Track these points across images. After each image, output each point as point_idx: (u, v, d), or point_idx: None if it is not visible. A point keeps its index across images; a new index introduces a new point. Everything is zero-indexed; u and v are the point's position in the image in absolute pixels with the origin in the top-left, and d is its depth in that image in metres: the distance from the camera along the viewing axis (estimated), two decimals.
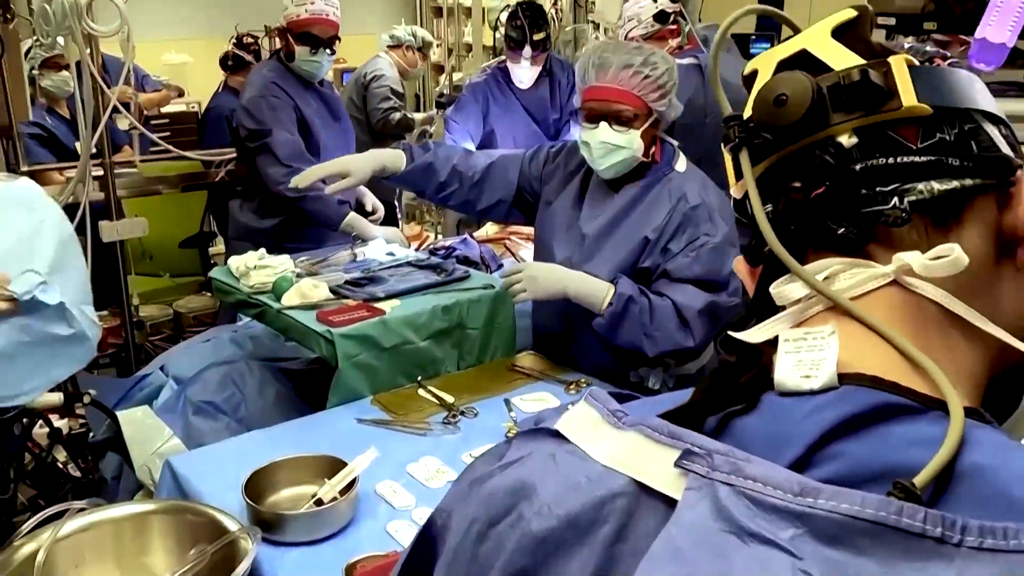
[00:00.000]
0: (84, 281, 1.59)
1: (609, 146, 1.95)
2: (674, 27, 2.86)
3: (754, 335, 0.59)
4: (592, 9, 3.80)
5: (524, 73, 3.46)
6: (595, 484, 0.54)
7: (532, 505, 0.56)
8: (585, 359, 2.12)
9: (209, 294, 3.62)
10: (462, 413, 1.86)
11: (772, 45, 4.91)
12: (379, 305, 2.02)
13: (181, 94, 5.03)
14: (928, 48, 0.70)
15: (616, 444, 0.55)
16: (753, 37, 5.28)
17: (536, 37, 3.34)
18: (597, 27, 3.70)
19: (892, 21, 3.59)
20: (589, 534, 0.52)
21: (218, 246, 4.18)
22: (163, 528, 1.42)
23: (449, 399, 1.91)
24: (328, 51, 2.90)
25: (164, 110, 4.83)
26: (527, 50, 3.35)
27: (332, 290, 2.10)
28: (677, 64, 2.66)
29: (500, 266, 2.77)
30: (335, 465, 1.55)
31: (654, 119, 1.96)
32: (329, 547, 1.43)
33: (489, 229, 3.27)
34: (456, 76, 3.94)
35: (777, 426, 0.53)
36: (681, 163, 2.08)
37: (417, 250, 2.76)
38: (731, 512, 0.46)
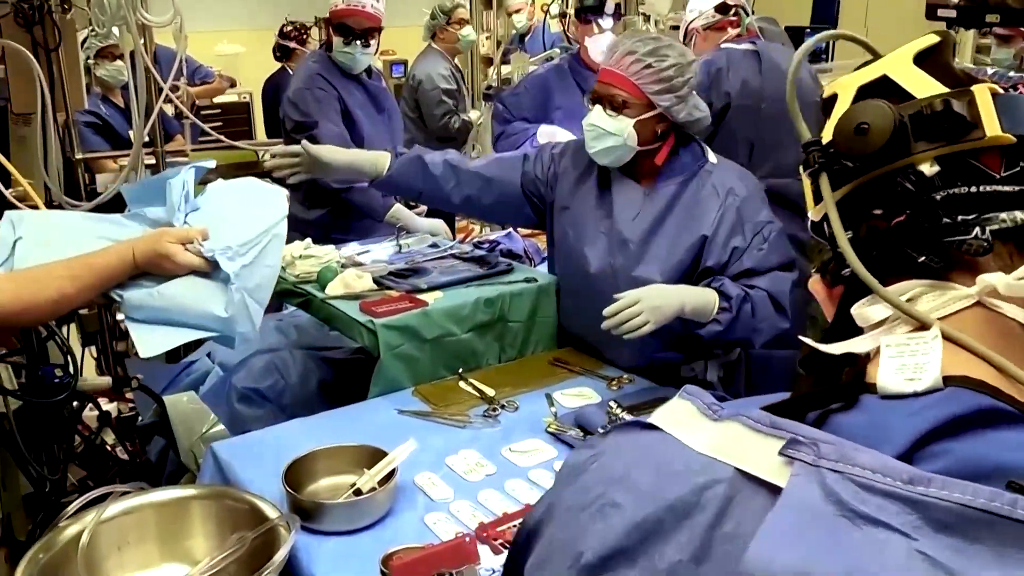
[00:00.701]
0: (267, 283, 1.63)
1: (598, 130, 1.94)
2: (734, 19, 2.88)
3: (848, 347, 0.61)
4: (643, 1, 3.75)
5: (603, 42, 3.32)
6: (694, 472, 0.55)
7: (628, 492, 0.57)
8: (622, 356, 2.07)
9: None
10: (503, 406, 1.85)
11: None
12: (422, 297, 2.02)
13: (233, 84, 5.10)
14: (1012, 74, 0.70)
15: (715, 434, 0.56)
16: (808, 30, 5.19)
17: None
18: (648, 19, 3.64)
19: (952, 14, 3.47)
20: (688, 518, 0.54)
21: None
22: (204, 513, 1.44)
23: (490, 392, 1.91)
24: (361, 43, 2.89)
25: (216, 100, 4.90)
26: (609, 5, 3.21)
27: (376, 281, 2.11)
28: (734, 49, 2.67)
29: (544, 260, 2.75)
30: (375, 455, 1.55)
31: (658, 114, 1.93)
32: (367, 537, 1.43)
33: None
34: (505, 69, 3.90)
35: (878, 423, 0.54)
36: (712, 155, 2.06)
37: (461, 243, 2.75)
38: (841, 496, 0.47)
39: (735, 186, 1.97)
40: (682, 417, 0.60)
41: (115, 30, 2.90)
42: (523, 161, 2.19)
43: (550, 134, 3.18)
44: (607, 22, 3.23)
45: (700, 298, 1.87)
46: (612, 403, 1.66)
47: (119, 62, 3.64)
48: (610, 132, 1.93)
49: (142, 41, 2.84)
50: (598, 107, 1.95)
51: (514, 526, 1.42)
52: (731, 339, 1.95)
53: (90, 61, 3.67)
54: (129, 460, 2.48)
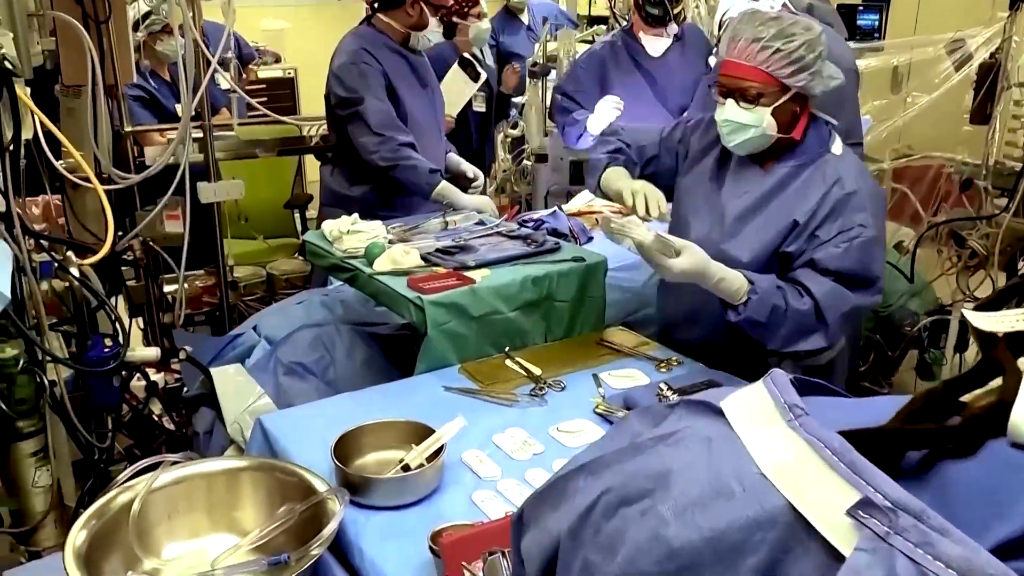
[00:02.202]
0: None
1: (734, 124, 1.87)
2: None
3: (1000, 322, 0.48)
4: None
5: (660, 44, 3.32)
6: (748, 497, 0.47)
7: (672, 499, 0.50)
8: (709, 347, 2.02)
9: (302, 258, 3.68)
10: (549, 386, 1.83)
11: (880, 16, 4.72)
12: (469, 274, 2.01)
13: (278, 60, 5.12)
14: None
15: (783, 450, 0.47)
16: (860, 7, 5.06)
17: (677, 11, 3.23)
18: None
19: None
20: (732, 562, 0.46)
21: (311, 210, 4.25)
22: (253, 484, 1.44)
23: (536, 371, 1.89)
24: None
25: (261, 75, 4.91)
26: (672, 26, 3.24)
27: (423, 257, 2.10)
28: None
29: (590, 239, 2.72)
30: (422, 432, 1.55)
31: (793, 94, 1.85)
32: (414, 513, 1.42)
33: (578, 202, 3.22)
34: (551, 46, 3.85)
35: (999, 484, 0.42)
36: (837, 146, 1.96)
37: (507, 221, 2.73)
38: None
39: (846, 178, 1.87)
40: (756, 412, 0.52)
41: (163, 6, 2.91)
42: (661, 132, 2.20)
43: (601, 123, 3.19)
44: (673, 28, 3.23)
45: (730, 279, 1.80)
46: (662, 384, 1.64)
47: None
48: (747, 124, 1.87)
49: (191, 15, 2.84)
50: (730, 101, 1.86)
51: None
52: (751, 333, 1.85)
53: (138, 35, 3.68)
54: (175, 430, 2.51)
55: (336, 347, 2.29)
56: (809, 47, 1.83)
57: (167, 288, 3.15)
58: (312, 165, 4.15)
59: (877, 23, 4.93)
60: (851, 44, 3.87)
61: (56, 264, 2.07)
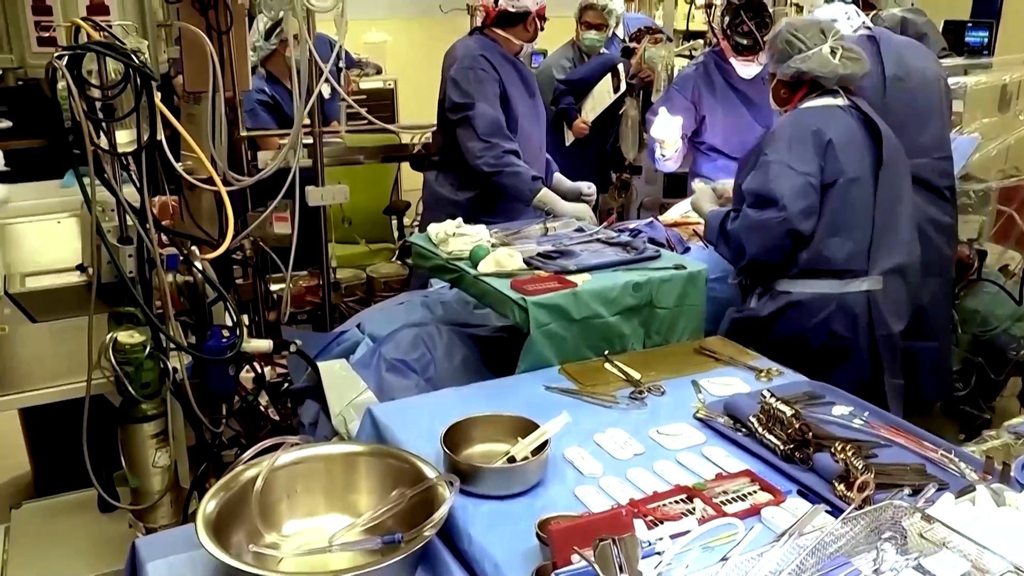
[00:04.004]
0: None
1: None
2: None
3: None
4: None
5: (751, 69, 3.36)
6: None
7: None
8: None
9: (400, 262, 3.79)
10: (649, 390, 1.86)
11: (990, 33, 4.60)
12: (571, 278, 2.05)
13: (379, 71, 5.28)
14: None
15: None
16: (969, 24, 4.92)
17: (768, 37, 3.25)
18: (800, 10, 3.55)
19: None
20: None
21: (407, 217, 4.37)
22: (368, 469, 1.51)
23: (636, 375, 1.91)
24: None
25: (363, 86, 5.07)
26: (763, 55, 3.27)
27: (525, 261, 2.15)
28: (854, 35, 2.81)
29: (687, 250, 2.73)
30: (527, 426, 1.59)
31: (786, 80, 2.45)
32: (520, 503, 1.47)
33: (675, 213, 3.23)
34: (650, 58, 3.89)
35: None
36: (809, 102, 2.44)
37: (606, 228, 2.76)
38: None
39: (776, 122, 2.47)
40: None
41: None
42: None
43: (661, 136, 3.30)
44: (762, 57, 3.28)
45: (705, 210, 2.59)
46: (765, 392, 1.64)
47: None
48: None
49: (306, 26, 2.97)
50: None
51: (665, 505, 1.43)
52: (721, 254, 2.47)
53: (271, 43, 3.85)
54: (280, 421, 2.62)
55: (436, 346, 2.36)
56: (789, 44, 2.41)
57: (273, 287, 3.28)
58: (408, 173, 4.27)
59: (986, 40, 4.78)
60: (958, 61, 3.79)
61: (181, 258, 2.19)
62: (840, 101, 2.43)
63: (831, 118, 2.39)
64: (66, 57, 1.87)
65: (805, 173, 2.30)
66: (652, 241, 2.66)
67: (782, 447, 1.55)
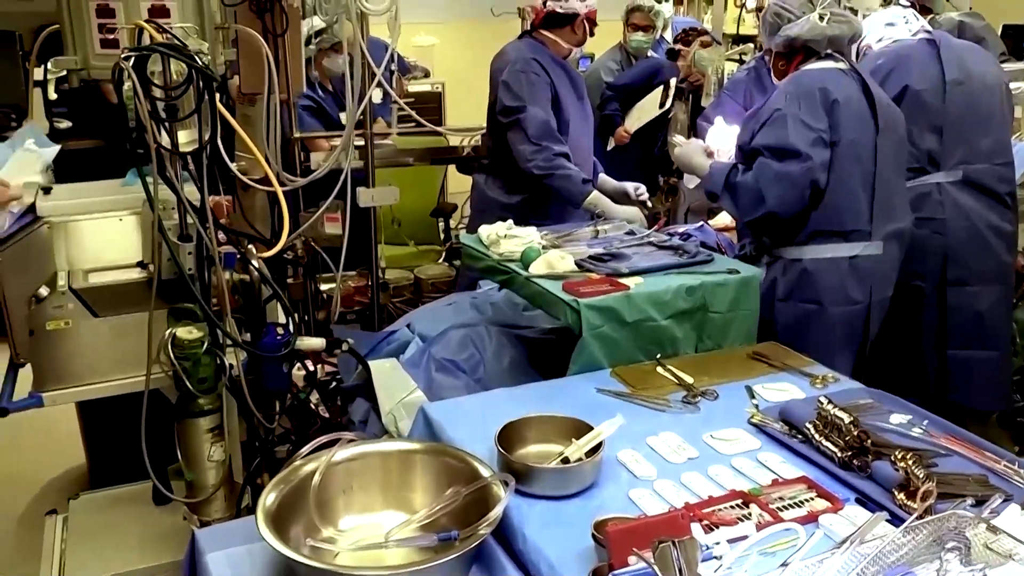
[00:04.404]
0: None
1: None
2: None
3: None
4: None
5: None
6: None
7: None
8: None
9: (447, 263, 3.82)
10: (702, 394, 1.85)
11: None
12: (623, 281, 2.05)
13: (427, 75, 5.33)
14: None
15: None
16: None
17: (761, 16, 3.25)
18: (855, 13, 3.50)
19: None
20: None
21: (453, 219, 4.40)
22: (424, 467, 1.52)
23: (688, 379, 1.90)
24: None
25: (410, 89, 5.12)
26: None
27: (577, 263, 2.15)
28: (905, 42, 2.92)
29: (738, 254, 2.71)
30: (580, 428, 1.59)
31: (777, 52, 2.59)
32: (574, 504, 1.47)
33: (726, 217, 3.21)
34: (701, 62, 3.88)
35: None
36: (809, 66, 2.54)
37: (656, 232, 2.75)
38: None
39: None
40: None
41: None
42: None
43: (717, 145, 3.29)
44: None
45: (702, 164, 2.61)
46: (822, 399, 1.62)
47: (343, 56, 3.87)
48: None
49: (360, 29, 3.00)
50: None
51: (721, 509, 1.42)
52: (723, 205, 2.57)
53: (309, 49, 3.92)
54: (330, 419, 2.65)
55: (485, 347, 2.37)
56: (778, 15, 2.55)
57: (323, 286, 3.32)
58: (455, 176, 4.30)
59: None
60: (1019, 65, 3.71)
61: (238, 256, 2.23)
62: (841, 65, 2.52)
63: (834, 78, 2.47)
64: (132, 58, 1.92)
65: (817, 128, 2.39)
66: (703, 245, 2.65)
67: (840, 454, 1.53)
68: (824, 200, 2.42)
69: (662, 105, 3.98)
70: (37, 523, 2.56)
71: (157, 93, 1.98)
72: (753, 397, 1.85)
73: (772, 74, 2.64)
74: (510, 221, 2.36)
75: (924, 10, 3.42)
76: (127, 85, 1.94)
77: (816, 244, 2.46)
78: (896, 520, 1.32)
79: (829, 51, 2.52)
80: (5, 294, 2.14)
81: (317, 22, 3.80)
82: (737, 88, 3.46)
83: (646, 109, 4.05)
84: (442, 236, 4.43)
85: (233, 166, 2.53)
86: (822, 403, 1.61)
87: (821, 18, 2.50)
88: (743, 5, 4.45)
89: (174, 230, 2.10)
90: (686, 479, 1.54)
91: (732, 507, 1.43)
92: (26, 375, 2.22)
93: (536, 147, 2.83)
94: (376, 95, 3.90)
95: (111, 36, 2.67)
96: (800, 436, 1.64)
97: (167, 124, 2.01)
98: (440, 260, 3.98)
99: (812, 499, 1.46)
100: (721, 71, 3.75)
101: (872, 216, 2.46)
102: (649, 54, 4.54)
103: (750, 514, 1.40)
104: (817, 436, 1.59)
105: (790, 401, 1.77)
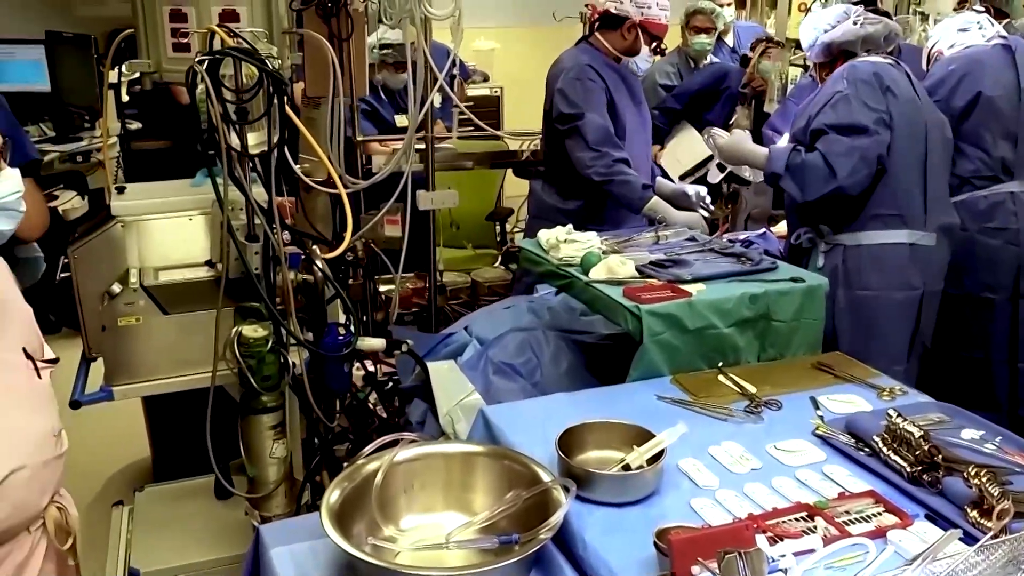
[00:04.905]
0: None
1: None
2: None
3: None
4: (921, 1, 3.54)
5: None
6: None
7: None
8: None
9: (503, 267, 3.83)
10: (765, 404, 1.82)
11: None
12: (685, 287, 2.03)
13: (486, 79, 5.36)
14: None
15: None
16: None
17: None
18: (925, 18, 3.44)
19: None
20: None
21: (508, 223, 4.41)
22: (485, 469, 1.53)
23: (751, 389, 1.88)
24: None
25: (469, 93, 5.15)
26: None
27: (637, 269, 2.14)
28: (979, 48, 2.92)
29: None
30: (641, 435, 1.58)
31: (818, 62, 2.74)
32: (634, 512, 1.46)
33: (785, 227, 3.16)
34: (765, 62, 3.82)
35: None
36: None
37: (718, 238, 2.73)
38: None
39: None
40: None
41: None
42: None
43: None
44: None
45: (758, 152, 2.69)
46: (891, 411, 1.58)
47: (402, 74, 3.92)
48: None
49: (424, 34, 3.03)
50: None
51: (786, 521, 1.40)
52: (784, 187, 2.54)
53: (373, 53, 3.98)
54: (387, 419, 2.67)
55: (543, 351, 2.37)
56: (815, 28, 2.66)
57: (381, 288, 3.36)
58: (510, 181, 4.31)
59: None
60: None
61: (303, 256, 2.27)
62: (889, 60, 2.59)
63: (885, 68, 2.55)
64: (206, 62, 1.96)
65: (878, 109, 2.46)
66: (766, 252, 2.61)
67: (909, 469, 1.50)
68: (883, 181, 2.47)
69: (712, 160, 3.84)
70: (104, 513, 2.64)
71: (228, 96, 2.03)
72: (817, 408, 1.81)
73: (820, 84, 2.70)
74: (570, 226, 2.35)
75: (999, 14, 3.33)
76: (200, 88, 1.99)
77: (875, 229, 2.51)
78: (968, 538, 1.29)
79: (867, 50, 2.60)
80: (80, 290, 2.21)
81: (385, 34, 3.85)
82: (803, 94, 3.40)
83: (692, 152, 3.89)
84: (498, 240, 4.45)
85: (297, 168, 2.58)
86: (891, 416, 1.58)
87: (854, 23, 2.59)
88: (808, 9, 4.37)
89: (242, 230, 2.15)
90: (749, 490, 1.51)
91: (797, 519, 1.40)
92: (96, 369, 2.29)
93: (595, 153, 2.82)
94: (436, 99, 3.94)
95: (183, 40, 2.74)
96: (867, 449, 1.61)
97: (237, 126, 2.06)
98: (496, 264, 4.00)
99: (880, 514, 1.42)
100: (785, 76, 3.70)
101: (926, 206, 2.51)
102: (709, 58, 4.50)
103: (816, 527, 1.37)
104: (885, 450, 1.56)
105: (857, 413, 1.73)
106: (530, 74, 4.58)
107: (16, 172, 1.78)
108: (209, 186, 2.16)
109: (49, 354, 1.71)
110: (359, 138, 3.28)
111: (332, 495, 1.41)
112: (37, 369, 1.62)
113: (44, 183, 3.25)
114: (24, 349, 1.61)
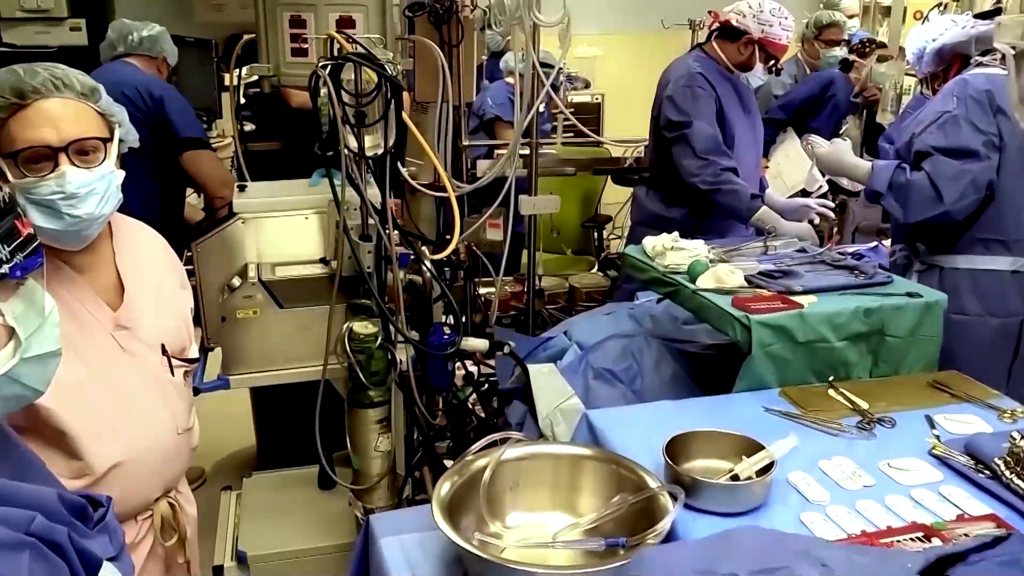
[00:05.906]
0: None
1: None
2: None
3: None
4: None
5: None
6: None
7: None
8: None
9: (601, 273, 3.83)
10: (878, 421, 1.77)
11: None
12: (796, 299, 1.99)
13: (587, 86, 5.37)
14: None
15: None
16: None
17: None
18: None
19: None
20: None
21: (607, 228, 4.41)
22: (592, 472, 1.54)
23: (863, 404, 1.83)
24: None
25: (571, 99, 5.17)
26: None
27: (746, 279, 2.11)
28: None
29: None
30: (749, 446, 1.56)
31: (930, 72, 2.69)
32: (741, 523, 1.44)
33: None
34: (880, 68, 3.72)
35: None
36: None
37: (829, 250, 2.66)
38: None
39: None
40: None
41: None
42: None
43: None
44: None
45: (860, 165, 2.60)
46: (1016, 434, 1.52)
47: None
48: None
49: (533, 41, 3.06)
50: None
51: (901, 540, 1.36)
52: (886, 206, 2.47)
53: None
54: (485, 419, 2.71)
55: (644, 358, 2.36)
56: (923, 38, 2.60)
57: (481, 290, 3.40)
58: (608, 188, 4.30)
59: None
60: None
61: (412, 257, 2.33)
62: (1002, 71, 2.44)
63: (998, 85, 2.43)
64: (329, 66, 2.04)
65: (988, 132, 2.37)
66: (879, 266, 2.54)
67: None
68: (990, 205, 2.36)
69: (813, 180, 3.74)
70: (212, 498, 2.76)
71: (348, 100, 2.10)
72: (933, 427, 1.75)
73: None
74: (676, 233, 2.34)
75: None
76: (323, 92, 2.07)
77: (976, 254, 2.42)
78: None
79: (982, 52, 2.50)
80: (201, 283, 2.32)
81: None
82: (913, 104, 3.30)
83: (796, 174, 3.79)
84: (595, 246, 4.45)
85: (404, 171, 2.64)
86: (1015, 438, 1.52)
87: (963, 27, 2.52)
88: (926, 18, 4.24)
89: (356, 230, 2.22)
90: (861, 507, 1.48)
91: (913, 539, 1.36)
92: (213, 359, 2.39)
93: (703, 162, 2.80)
94: (543, 105, 3.98)
95: (303, 45, 2.84)
96: (988, 472, 1.55)
97: (356, 129, 2.13)
98: (593, 270, 4.00)
99: None
100: (899, 86, 3.59)
101: None
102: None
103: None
104: (1008, 473, 1.50)
105: (977, 434, 1.67)
106: (632, 81, 4.58)
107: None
108: (324, 186, 2.24)
109: (193, 353, 1.78)
110: (465, 143, 3.33)
111: (442, 488, 1.44)
112: (171, 366, 1.69)
113: None
114: (163, 346, 1.67)
